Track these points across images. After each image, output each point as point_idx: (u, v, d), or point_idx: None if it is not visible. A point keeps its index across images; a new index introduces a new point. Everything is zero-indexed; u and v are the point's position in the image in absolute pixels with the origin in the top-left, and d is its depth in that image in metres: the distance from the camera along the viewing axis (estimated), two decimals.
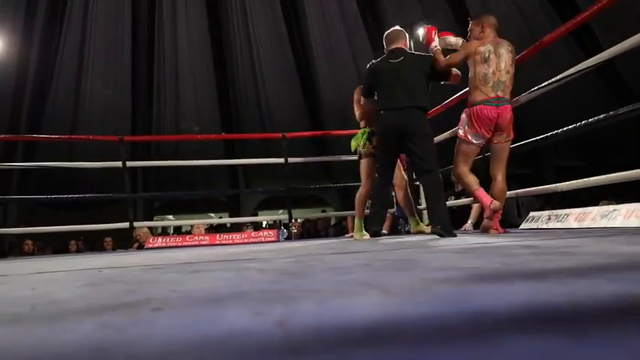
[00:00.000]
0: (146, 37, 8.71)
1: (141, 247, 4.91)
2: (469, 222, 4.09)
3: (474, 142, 2.55)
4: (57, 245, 6.52)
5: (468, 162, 2.62)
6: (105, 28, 8.30)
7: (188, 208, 11.53)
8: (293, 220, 4.70)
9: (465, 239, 2.10)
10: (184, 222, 9.01)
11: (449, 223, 2.50)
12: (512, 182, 2.98)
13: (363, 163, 3.12)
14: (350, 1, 8.61)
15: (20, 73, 7.84)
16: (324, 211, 10.16)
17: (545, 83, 2.60)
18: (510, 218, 4.34)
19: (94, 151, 6.21)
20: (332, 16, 8.83)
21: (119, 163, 3.88)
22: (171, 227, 9.54)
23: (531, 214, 3.66)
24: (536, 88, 2.66)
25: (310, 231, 7.13)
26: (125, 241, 6.81)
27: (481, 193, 2.53)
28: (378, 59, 2.88)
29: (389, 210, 3.59)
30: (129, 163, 4.06)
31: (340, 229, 7.00)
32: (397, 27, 3.00)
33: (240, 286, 0.72)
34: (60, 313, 0.55)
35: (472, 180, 2.57)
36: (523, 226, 3.59)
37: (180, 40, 8.96)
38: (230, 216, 10.71)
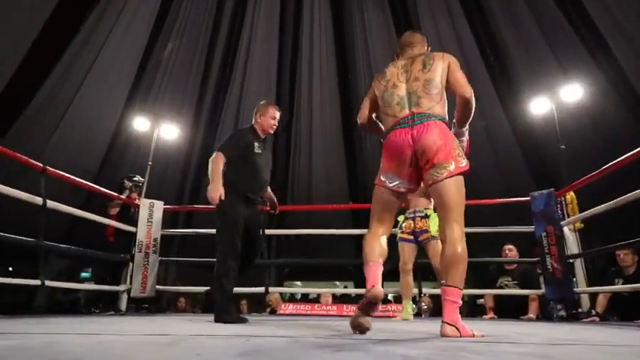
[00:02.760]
0: (285, 121, 9.84)
1: (273, 312, 5.14)
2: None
3: (388, 185, 1.83)
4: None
5: (381, 218, 1.88)
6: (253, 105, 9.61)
7: (315, 275, 11.86)
8: (423, 295, 4.44)
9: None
10: (312, 290, 9.21)
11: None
12: None
13: None
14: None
15: (188, 151, 9.43)
16: None
17: None
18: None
19: None
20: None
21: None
22: (299, 294, 9.83)
23: None
24: None
25: (440, 307, 6.60)
26: (258, 304, 7.21)
27: (369, 271, 1.74)
28: None
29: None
30: (267, 231, 4.41)
31: (473, 308, 6.33)
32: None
33: None
34: None
35: (369, 249, 1.80)
36: None
37: (314, 121, 9.86)
38: (355, 285, 10.61)
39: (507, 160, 8.75)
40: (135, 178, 4.54)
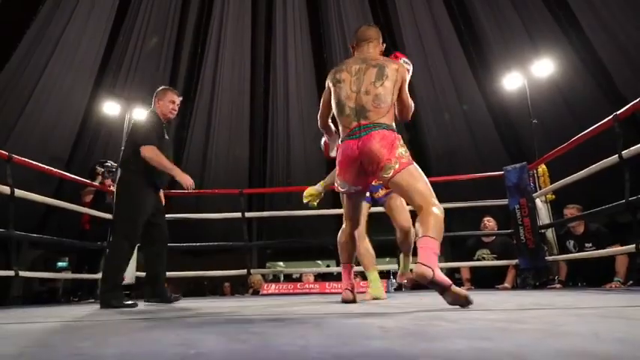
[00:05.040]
0: (262, 110, 9.74)
1: (256, 293, 5.18)
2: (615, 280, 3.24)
3: (341, 190, 2.03)
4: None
5: (351, 218, 2.13)
6: (230, 94, 9.44)
7: (297, 255, 11.97)
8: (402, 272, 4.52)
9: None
10: (295, 270, 9.31)
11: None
12: None
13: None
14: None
15: None
16: None
17: None
18: None
19: (217, 204, 6.86)
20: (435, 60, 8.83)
21: (239, 214, 4.25)
22: (282, 274, 9.93)
23: None
24: None
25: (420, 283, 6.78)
26: (241, 286, 7.26)
27: (344, 271, 2.15)
28: None
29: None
30: (247, 214, 4.40)
31: (452, 281, 6.53)
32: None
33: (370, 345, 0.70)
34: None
35: (342, 251, 2.18)
36: None
37: (291, 105, 9.76)
38: (337, 264, 10.79)
39: (483, 137, 8.92)
40: (107, 164, 4.42)
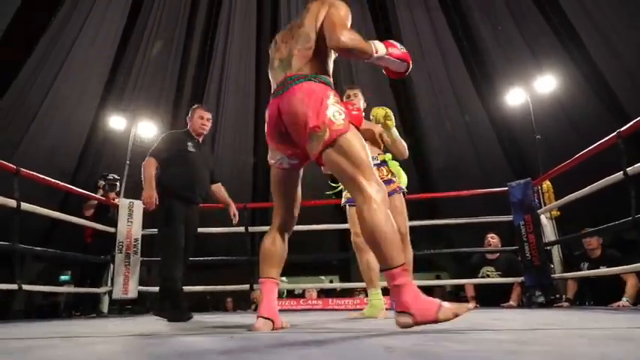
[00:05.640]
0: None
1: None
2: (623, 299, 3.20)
3: (271, 161, 1.63)
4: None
5: (279, 206, 1.67)
6: (234, 109, 9.50)
7: (300, 270, 11.89)
8: None
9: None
10: (297, 285, 9.25)
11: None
12: None
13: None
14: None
15: None
16: (438, 277, 9.56)
17: None
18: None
19: (218, 216, 6.86)
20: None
21: (242, 229, 4.25)
22: (285, 290, 9.85)
23: None
24: None
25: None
26: (244, 301, 7.20)
27: (261, 290, 1.60)
28: None
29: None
30: (251, 229, 4.40)
31: (457, 299, 6.46)
32: None
33: None
34: None
35: (262, 259, 1.65)
36: None
37: None
38: (340, 279, 10.68)
39: (486, 152, 8.92)
40: (109, 177, 4.45)
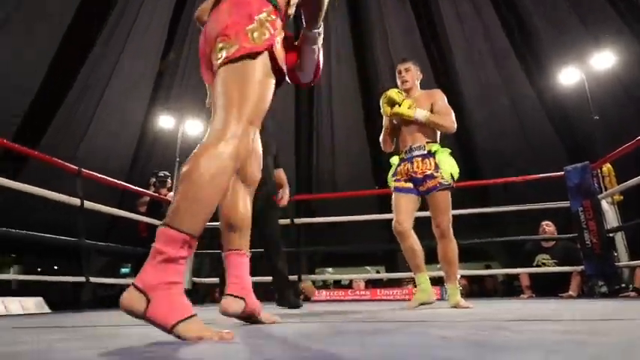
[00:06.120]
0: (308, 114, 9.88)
1: (307, 300, 5.22)
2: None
3: (207, 102, 1.35)
4: None
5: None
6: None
7: (346, 260, 11.95)
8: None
9: None
10: (344, 276, 9.29)
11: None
12: None
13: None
14: None
15: None
16: (488, 267, 9.26)
17: None
18: None
19: None
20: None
21: (288, 220, 4.32)
22: (331, 280, 9.92)
23: None
24: None
25: (474, 291, 6.52)
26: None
27: (228, 265, 1.43)
28: None
29: None
30: (296, 220, 4.46)
31: (510, 289, 6.23)
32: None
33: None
34: None
35: (222, 223, 1.43)
36: None
37: (335, 110, 9.83)
38: (386, 270, 10.63)
39: (538, 135, 8.49)
40: (160, 175, 4.66)
